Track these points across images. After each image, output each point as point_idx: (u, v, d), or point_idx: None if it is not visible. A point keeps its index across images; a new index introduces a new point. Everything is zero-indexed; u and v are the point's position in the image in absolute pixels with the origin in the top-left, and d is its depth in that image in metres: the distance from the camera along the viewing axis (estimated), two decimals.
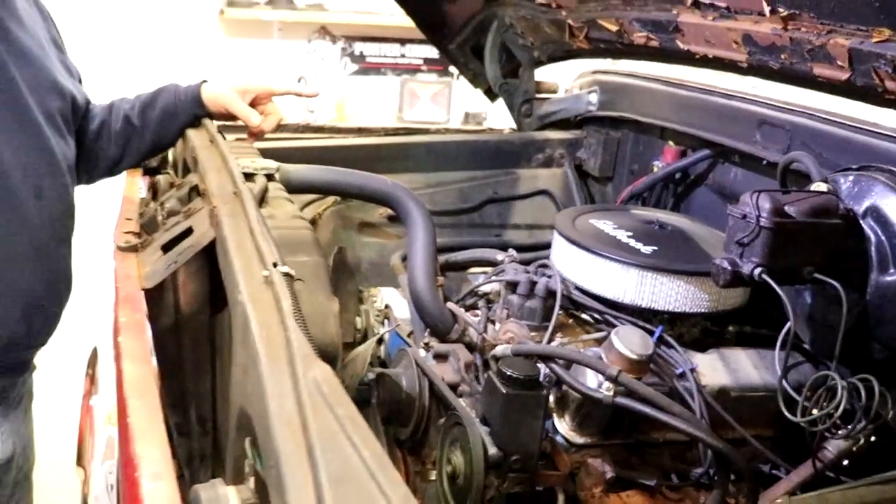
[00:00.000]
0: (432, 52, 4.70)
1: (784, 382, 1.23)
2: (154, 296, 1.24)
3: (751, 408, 1.42)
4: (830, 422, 1.12)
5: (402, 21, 2.65)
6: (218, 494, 0.81)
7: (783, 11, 1.36)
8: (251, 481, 0.85)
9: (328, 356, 0.90)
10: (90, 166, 1.77)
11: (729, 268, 1.19)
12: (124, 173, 1.86)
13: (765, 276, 1.16)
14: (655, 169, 2.03)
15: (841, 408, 1.11)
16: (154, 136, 1.79)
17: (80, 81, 1.75)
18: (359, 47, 4.90)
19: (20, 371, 1.63)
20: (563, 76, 2.54)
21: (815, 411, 1.16)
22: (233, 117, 1.84)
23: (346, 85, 4.85)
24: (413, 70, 4.97)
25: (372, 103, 4.88)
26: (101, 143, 1.77)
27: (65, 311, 1.66)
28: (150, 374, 0.92)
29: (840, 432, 1.17)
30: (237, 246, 1.05)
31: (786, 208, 1.19)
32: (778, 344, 1.29)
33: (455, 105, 4.91)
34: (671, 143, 2.03)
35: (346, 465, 0.68)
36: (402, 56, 4.95)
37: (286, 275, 0.95)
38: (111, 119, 1.78)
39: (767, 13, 1.38)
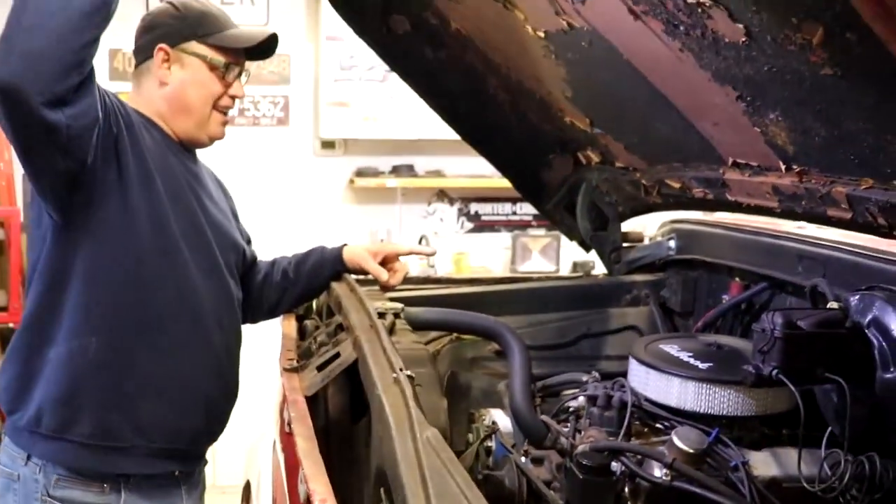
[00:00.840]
0: None
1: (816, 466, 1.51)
2: (310, 404, 1.65)
3: (799, 499, 1.65)
4: (841, 486, 1.39)
5: None
6: None
7: (796, 168, 1.71)
8: None
9: None
10: (254, 309, 2.22)
11: (753, 371, 1.50)
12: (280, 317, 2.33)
13: (781, 376, 1.46)
14: (724, 302, 2.34)
15: (846, 477, 1.38)
16: (305, 286, 2.25)
17: (248, 242, 2.23)
18: (474, 207, 5.40)
19: (199, 459, 2.05)
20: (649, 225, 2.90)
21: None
22: (367, 272, 2.27)
23: (463, 241, 5.32)
24: (524, 226, 5.42)
25: (487, 257, 5.33)
26: (264, 291, 2.23)
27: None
28: (315, 445, 1.31)
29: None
30: (374, 360, 1.45)
31: (798, 322, 1.50)
32: (823, 442, 1.57)
33: (564, 256, 5.26)
34: (737, 279, 2.35)
35: (447, 486, 1.04)
36: (514, 214, 5.42)
37: (408, 376, 1.34)
38: (272, 272, 2.24)
39: (784, 170, 1.73)
